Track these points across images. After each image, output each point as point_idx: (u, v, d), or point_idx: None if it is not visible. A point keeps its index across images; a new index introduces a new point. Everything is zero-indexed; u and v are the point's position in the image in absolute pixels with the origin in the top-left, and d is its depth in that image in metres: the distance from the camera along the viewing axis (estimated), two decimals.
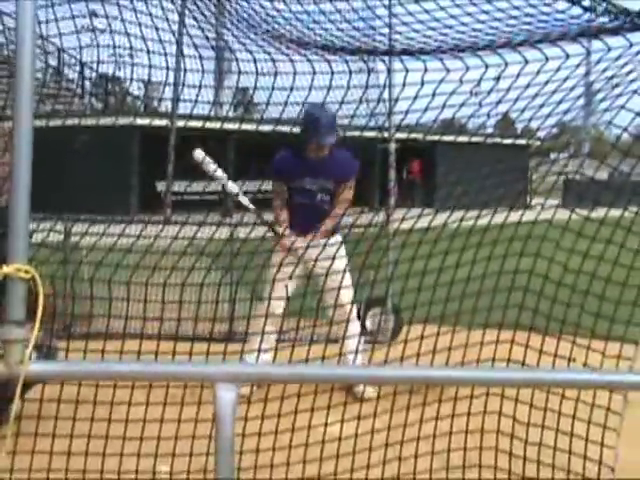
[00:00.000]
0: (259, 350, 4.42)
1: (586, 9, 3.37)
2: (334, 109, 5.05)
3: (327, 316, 5.29)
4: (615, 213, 3.97)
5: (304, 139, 5.64)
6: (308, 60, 3.80)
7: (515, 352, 3.91)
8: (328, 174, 5.67)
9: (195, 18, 3.99)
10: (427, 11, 3.39)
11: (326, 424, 3.96)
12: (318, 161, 5.66)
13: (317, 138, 5.56)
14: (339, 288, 4.85)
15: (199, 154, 5.73)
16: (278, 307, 5.13)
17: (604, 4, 3.29)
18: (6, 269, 2.16)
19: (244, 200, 5.83)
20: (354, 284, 5.39)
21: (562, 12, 3.43)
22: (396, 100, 3.76)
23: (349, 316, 5.14)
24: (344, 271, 4.98)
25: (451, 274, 3.83)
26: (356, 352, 4.92)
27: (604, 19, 3.45)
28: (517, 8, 3.41)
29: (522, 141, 16.52)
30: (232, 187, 5.88)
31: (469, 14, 3.48)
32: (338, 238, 5.52)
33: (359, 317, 6.52)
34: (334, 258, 4.69)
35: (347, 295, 5.29)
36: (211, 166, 5.76)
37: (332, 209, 5.72)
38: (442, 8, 3.38)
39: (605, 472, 3.78)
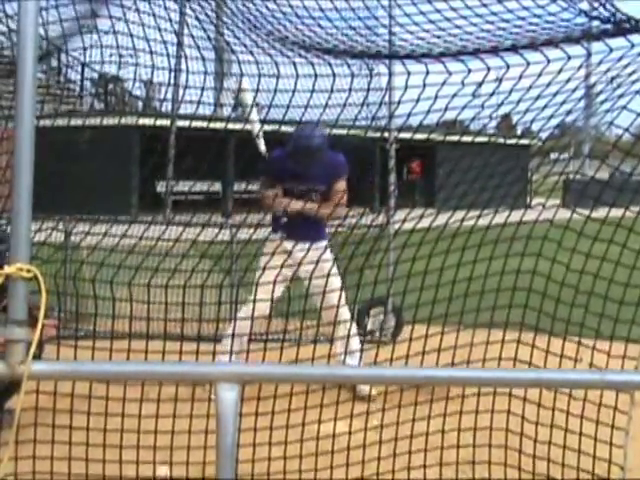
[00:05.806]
0: (231, 352, 4.51)
1: (591, 18, 3.39)
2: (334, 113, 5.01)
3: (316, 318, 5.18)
4: (616, 213, 3.97)
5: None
6: (310, 62, 3.80)
7: (521, 352, 3.91)
8: (317, 176, 5.67)
9: (197, 18, 3.99)
10: (432, 21, 3.40)
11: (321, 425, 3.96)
12: (307, 164, 5.65)
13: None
14: (324, 292, 4.72)
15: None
16: (266, 309, 5.08)
17: (608, 12, 3.30)
18: (8, 269, 2.13)
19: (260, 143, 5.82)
20: (354, 285, 5.33)
21: (567, 20, 3.44)
22: (398, 103, 3.76)
23: (338, 317, 5.04)
24: (329, 274, 4.76)
25: (451, 273, 3.83)
26: (345, 353, 4.92)
27: (607, 26, 3.47)
28: (523, 19, 3.43)
29: (524, 142, 16.51)
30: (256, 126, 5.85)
31: (474, 24, 3.49)
32: (323, 243, 5.50)
33: (359, 317, 6.50)
34: (318, 261, 4.62)
35: (335, 297, 5.10)
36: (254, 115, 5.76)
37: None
38: (447, 19, 3.40)
39: (615, 471, 3.79)
